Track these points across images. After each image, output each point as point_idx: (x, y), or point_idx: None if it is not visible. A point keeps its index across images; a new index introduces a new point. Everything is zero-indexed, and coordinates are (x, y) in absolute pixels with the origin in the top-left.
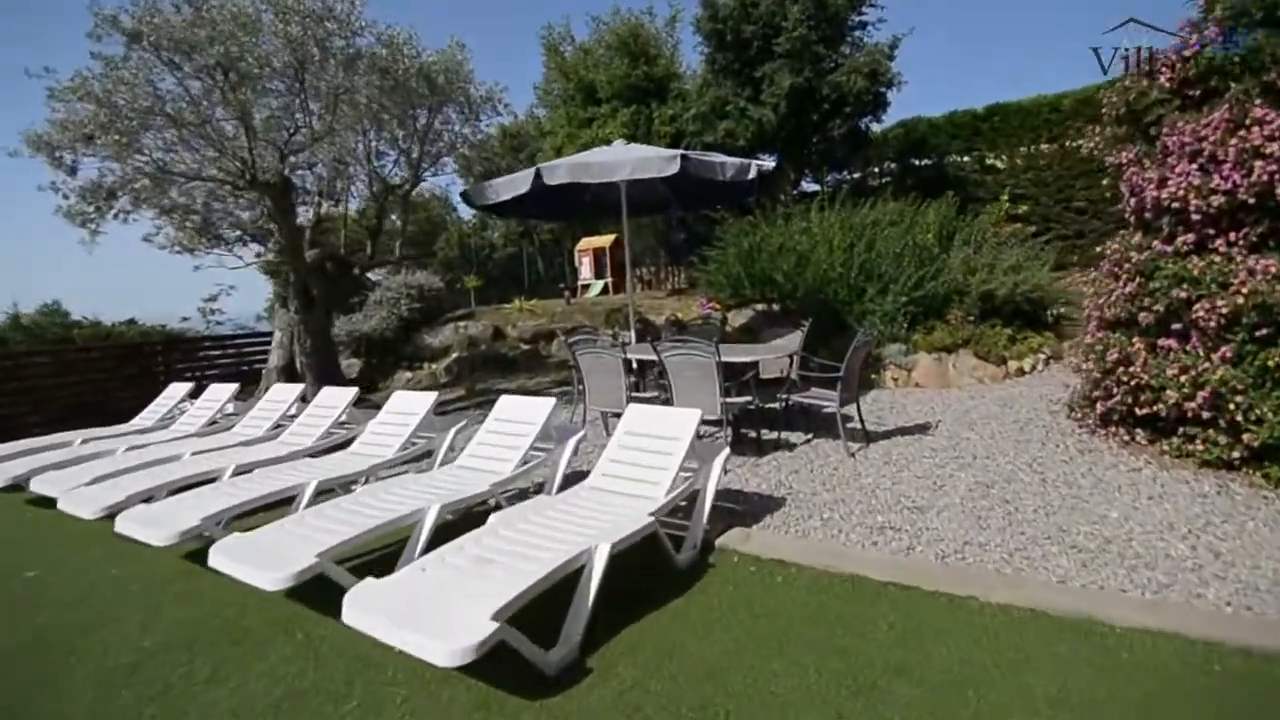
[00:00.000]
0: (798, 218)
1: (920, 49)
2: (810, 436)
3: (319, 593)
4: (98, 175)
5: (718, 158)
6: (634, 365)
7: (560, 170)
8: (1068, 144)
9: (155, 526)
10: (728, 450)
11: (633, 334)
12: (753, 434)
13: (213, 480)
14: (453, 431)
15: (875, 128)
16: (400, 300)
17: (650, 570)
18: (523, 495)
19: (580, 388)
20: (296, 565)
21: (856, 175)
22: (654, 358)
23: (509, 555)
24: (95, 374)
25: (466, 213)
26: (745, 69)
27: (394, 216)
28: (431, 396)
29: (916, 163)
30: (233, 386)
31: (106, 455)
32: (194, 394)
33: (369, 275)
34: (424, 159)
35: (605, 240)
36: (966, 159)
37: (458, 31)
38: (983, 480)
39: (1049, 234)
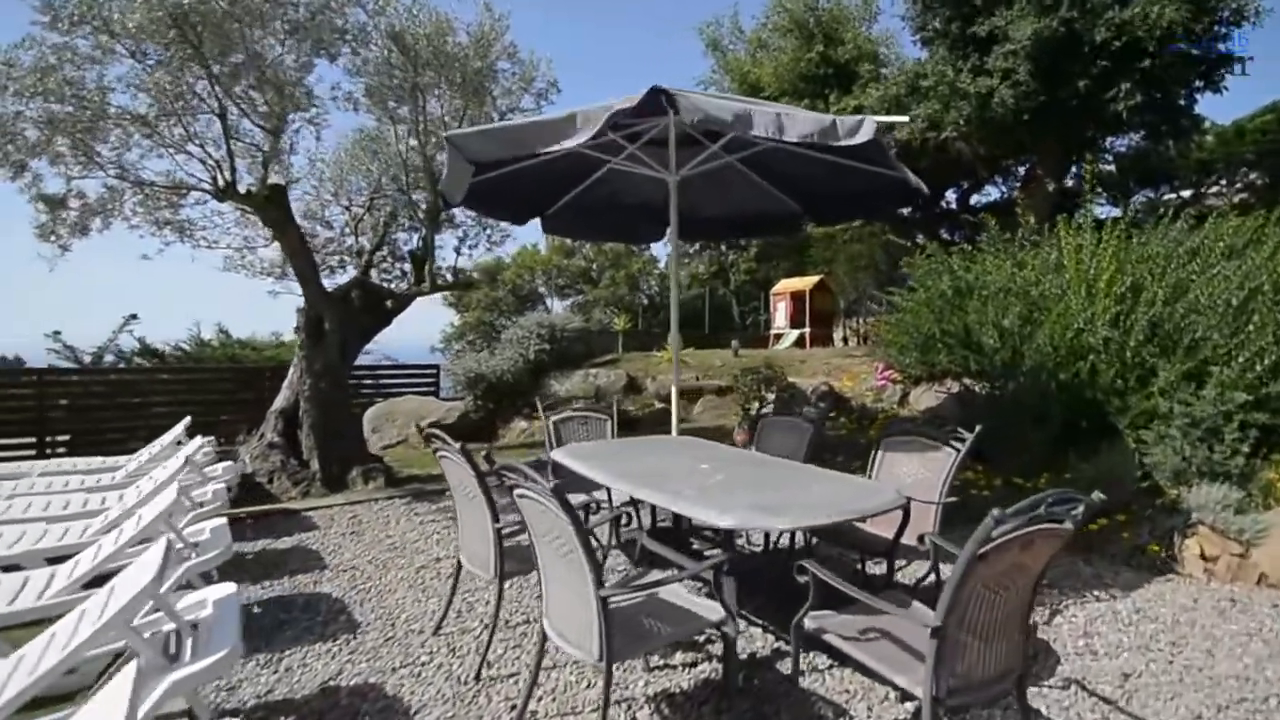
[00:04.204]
0: (1043, 246)
1: None
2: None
3: None
4: (29, 180)
5: (758, 104)
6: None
7: (481, 141)
8: None
9: None
10: None
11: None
12: (782, 652)
13: None
14: None
15: (1204, 108)
16: (529, 340)
17: None
18: None
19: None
20: None
21: (1186, 193)
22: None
23: None
24: (212, 395)
25: (660, 250)
26: (966, 26)
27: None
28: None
29: None
30: (176, 429)
31: None
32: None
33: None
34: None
35: (806, 282)
36: None
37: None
38: None
39: None
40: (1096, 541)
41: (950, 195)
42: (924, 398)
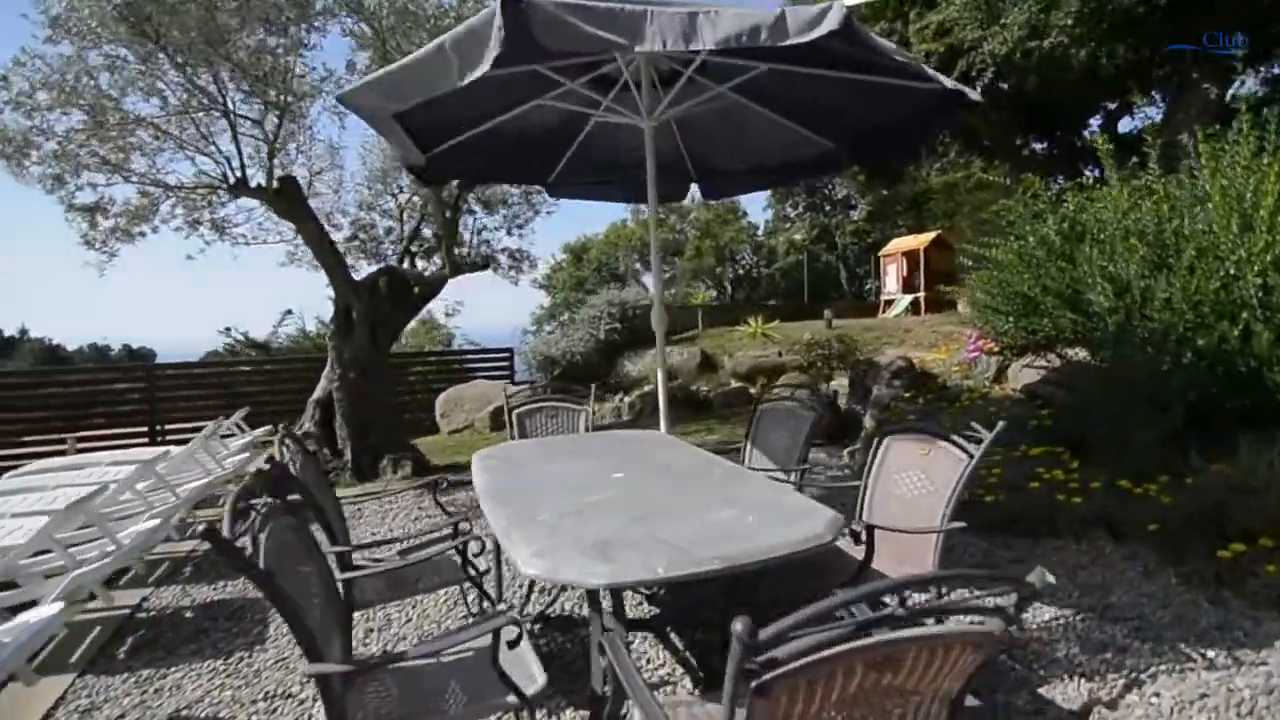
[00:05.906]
0: (1183, 172)
1: None
2: None
3: None
4: (62, 189)
5: (664, 4)
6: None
7: (363, 95)
8: None
9: None
10: None
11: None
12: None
13: None
14: None
15: None
16: (600, 320)
17: None
18: None
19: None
20: None
21: None
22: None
23: None
24: (298, 384)
25: (756, 214)
26: None
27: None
28: None
29: None
30: (218, 421)
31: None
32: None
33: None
34: None
35: (921, 240)
36: None
37: None
38: None
39: None
40: (1230, 573)
41: (1095, 123)
42: (1024, 373)
